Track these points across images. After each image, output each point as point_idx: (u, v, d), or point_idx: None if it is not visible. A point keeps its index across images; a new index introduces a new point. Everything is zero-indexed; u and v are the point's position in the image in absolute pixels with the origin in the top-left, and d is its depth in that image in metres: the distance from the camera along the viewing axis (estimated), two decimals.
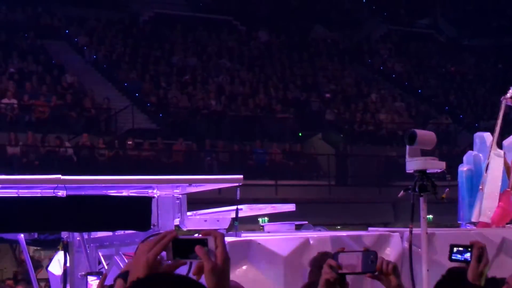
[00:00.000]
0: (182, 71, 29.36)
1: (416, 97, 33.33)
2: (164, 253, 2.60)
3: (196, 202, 10.42)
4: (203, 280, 2.57)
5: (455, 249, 4.07)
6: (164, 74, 28.81)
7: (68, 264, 7.85)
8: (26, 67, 26.66)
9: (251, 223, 16.70)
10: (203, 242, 2.58)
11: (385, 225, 25.91)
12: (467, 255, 4.00)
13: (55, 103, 24.82)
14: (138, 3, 33.42)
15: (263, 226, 7.83)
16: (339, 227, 25.79)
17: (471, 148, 9.82)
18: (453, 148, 27.93)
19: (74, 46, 29.84)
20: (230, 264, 2.61)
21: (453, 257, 4.08)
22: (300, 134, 27.94)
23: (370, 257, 3.37)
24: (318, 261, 5.07)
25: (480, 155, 8.97)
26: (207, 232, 2.62)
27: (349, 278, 3.63)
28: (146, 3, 33.20)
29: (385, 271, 3.45)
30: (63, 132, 23.74)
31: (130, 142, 24.32)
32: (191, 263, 2.77)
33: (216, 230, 2.68)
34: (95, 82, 27.66)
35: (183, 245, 2.60)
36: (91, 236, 7.75)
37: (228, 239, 6.59)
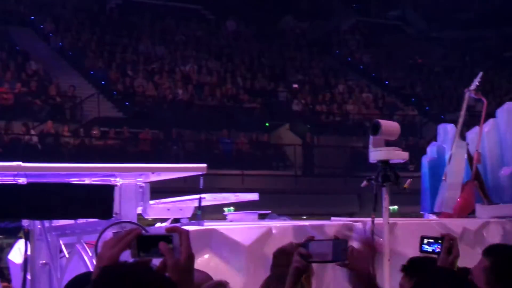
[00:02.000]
0: (149, 60, 29.21)
1: (383, 88, 33.46)
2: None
3: (161, 191, 10.39)
4: None
5: (425, 241, 4.08)
6: (131, 62, 28.64)
7: (29, 253, 7.78)
8: None
9: (217, 212, 16.71)
10: (167, 239, 2.57)
11: (350, 215, 25.97)
12: (436, 246, 4.01)
13: (19, 90, 24.57)
14: None
15: (226, 215, 7.80)
16: (304, 217, 25.83)
17: (435, 139, 9.87)
18: (419, 139, 28.10)
19: (40, 33, 29.55)
20: (194, 260, 2.61)
21: (423, 249, 4.10)
22: (267, 124, 27.94)
23: (341, 245, 3.35)
24: (286, 251, 5.07)
25: (444, 146, 9.03)
26: (172, 229, 2.61)
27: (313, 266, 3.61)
28: None
29: (355, 259, 3.44)
30: (28, 119, 23.53)
31: (96, 131, 24.15)
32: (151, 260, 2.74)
33: (181, 227, 2.67)
34: (61, 69, 27.42)
35: (148, 242, 2.58)
36: (53, 224, 7.67)
37: (190, 228, 6.56)
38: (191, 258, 2.58)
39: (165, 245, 2.54)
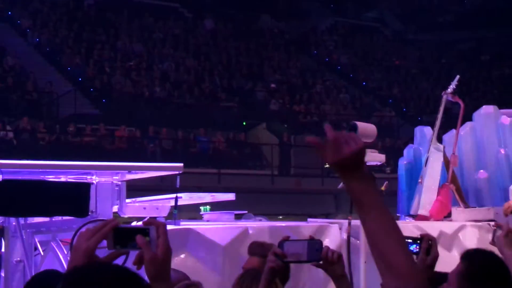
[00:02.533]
0: (126, 57, 29.11)
1: (361, 89, 33.58)
2: (104, 242, 2.56)
3: (137, 189, 10.34)
4: (143, 269, 2.53)
5: None
6: (109, 59, 28.53)
7: (3, 250, 7.72)
8: None
9: (194, 211, 16.67)
10: (144, 232, 2.54)
11: (326, 216, 26.06)
12: (414, 246, 4.02)
13: None
14: None
15: (202, 214, 7.79)
16: (280, 217, 25.88)
17: (412, 141, 9.90)
18: (395, 141, 28.21)
19: (17, 28, 29.36)
20: (171, 254, 2.58)
21: None
22: (244, 123, 27.94)
23: (315, 246, 3.36)
24: (258, 249, 5.07)
25: (421, 148, 9.05)
26: (149, 222, 2.58)
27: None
28: None
29: (330, 260, 3.44)
30: (4, 115, 23.38)
31: (72, 128, 24.04)
32: (128, 253, 2.72)
33: (157, 219, 2.65)
34: (38, 65, 27.26)
35: (124, 234, 2.55)
36: (28, 222, 7.61)
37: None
38: (168, 251, 2.54)
39: (142, 238, 2.51)
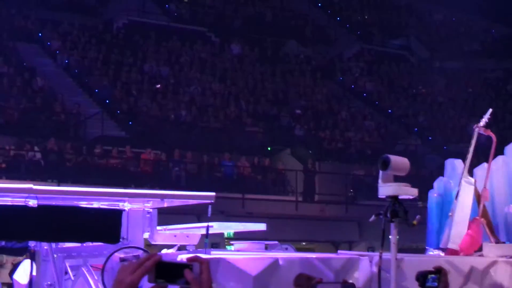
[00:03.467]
0: (153, 80, 29.29)
1: (386, 116, 33.51)
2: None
3: (163, 211, 10.38)
4: None
5: (429, 276, 4.11)
6: (136, 82, 28.72)
7: (34, 273, 7.78)
8: None
9: (218, 236, 16.68)
10: (188, 268, 2.59)
11: (350, 243, 25.99)
12: (436, 282, 4.03)
13: (24, 106, 24.64)
14: (113, 10, 33.29)
15: (232, 244, 7.80)
16: (304, 243, 25.84)
17: (438, 170, 9.87)
18: (420, 169, 28.10)
19: (47, 49, 29.64)
20: None
21: (427, 284, 4.12)
22: (269, 149, 27.97)
23: None
24: (304, 282, 5.11)
25: (451, 181, 9.02)
26: (193, 258, 2.63)
27: None
28: (120, 10, 33.08)
29: None
30: (32, 135, 23.57)
31: (98, 150, 24.18)
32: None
33: (201, 256, 2.70)
34: (66, 87, 27.50)
35: (167, 269, 2.60)
36: (59, 246, 7.68)
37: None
38: (211, 287, 2.62)
39: (191, 274, 2.57)
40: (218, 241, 19.09)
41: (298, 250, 9.63)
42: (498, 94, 36.36)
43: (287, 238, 21.92)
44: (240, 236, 11.90)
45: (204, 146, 26.04)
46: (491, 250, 8.02)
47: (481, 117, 8.84)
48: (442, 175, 9.54)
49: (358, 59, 37.72)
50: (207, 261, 2.65)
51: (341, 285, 3.46)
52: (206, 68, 31.61)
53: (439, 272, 4.03)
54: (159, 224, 7.63)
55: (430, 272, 4.09)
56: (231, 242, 7.94)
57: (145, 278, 2.60)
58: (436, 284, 4.05)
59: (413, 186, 6.91)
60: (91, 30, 31.33)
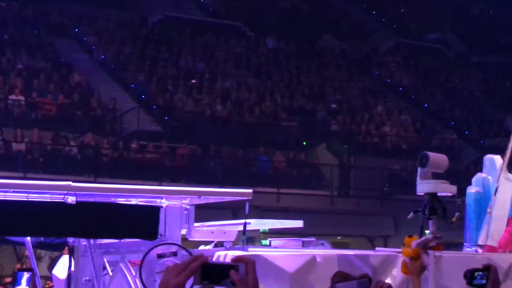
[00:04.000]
0: (189, 75, 29.37)
1: (422, 111, 33.30)
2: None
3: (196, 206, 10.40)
4: None
5: (476, 274, 4.11)
6: (171, 77, 28.82)
7: (72, 269, 7.85)
8: (34, 64, 26.68)
9: (253, 230, 16.70)
10: (235, 268, 2.60)
11: (385, 237, 25.90)
12: (484, 279, 4.03)
13: (62, 101, 24.85)
14: (148, 5, 33.42)
15: (270, 241, 7.81)
16: (339, 237, 25.79)
17: (475, 165, 9.80)
18: (457, 164, 27.89)
19: (83, 45, 29.86)
20: None
21: (474, 282, 4.11)
22: (304, 143, 27.93)
23: (364, 285, 3.46)
24: (341, 280, 5.11)
25: (489, 177, 8.95)
26: (239, 259, 2.64)
27: None
28: (156, 5, 33.20)
29: None
30: (68, 130, 23.77)
31: (135, 145, 24.31)
32: None
33: (247, 256, 2.70)
34: (102, 82, 27.67)
35: (213, 270, 2.61)
36: (97, 242, 7.73)
37: (235, 253, 6.58)
38: (257, 287, 2.62)
39: (237, 275, 2.58)
40: (253, 236, 19.14)
41: (333, 245, 9.60)
42: None
43: (323, 232, 21.91)
44: (275, 231, 11.90)
45: (240, 141, 26.08)
46: None
47: None
48: (479, 169, 9.47)
49: (394, 53, 37.52)
50: (253, 261, 2.65)
51: (357, 281, 3.52)
52: (241, 63, 31.64)
53: (488, 269, 4.03)
54: (196, 219, 7.66)
55: (478, 270, 4.09)
56: (268, 238, 7.94)
57: (191, 279, 2.62)
58: (484, 281, 4.04)
59: (449, 180, 6.88)
60: (127, 25, 31.51)
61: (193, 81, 29.10)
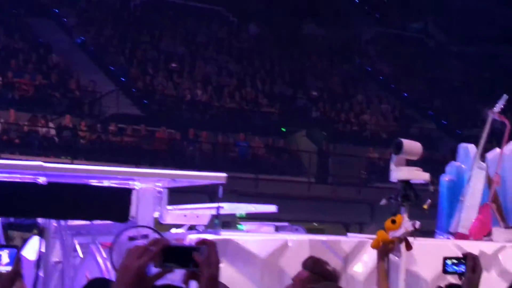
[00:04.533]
0: (170, 59, 29.25)
1: (402, 100, 33.39)
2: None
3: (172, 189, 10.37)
4: None
5: (448, 261, 4.10)
6: (152, 60, 28.69)
7: (42, 250, 7.78)
8: (12, 44, 26.45)
9: (229, 215, 16.68)
10: (197, 251, 2.58)
11: (361, 224, 25.98)
12: (462, 267, 4.03)
13: (39, 82, 24.67)
14: None
15: (241, 223, 7.80)
16: (316, 224, 25.83)
17: (452, 155, 9.82)
18: (434, 153, 28.01)
19: (63, 26, 29.63)
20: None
21: (447, 269, 4.11)
22: (283, 130, 27.93)
23: None
24: (310, 265, 5.11)
25: (463, 166, 8.98)
26: (201, 241, 2.62)
27: None
28: None
29: None
30: (46, 112, 23.61)
31: (113, 127, 24.20)
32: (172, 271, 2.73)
33: (208, 239, 2.68)
34: (82, 64, 27.49)
35: (174, 253, 2.58)
36: (68, 224, 7.67)
37: (207, 236, 6.56)
38: (219, 270, 2.61)
39: (201, 257, 2.56)
40: (229, 220, 19.12)
41: (309, 230, 9.61)
42: None
43: (299, 218, 21.93)
44: (252, 216, 11.90)
45: (219, 126, 26.03)
46: (500, 235, 8.00)
47: (496, 103, 8.78)
48: (456, 159, 9.49)
49: (375, 42, 37.56)
50: (215, 243, 2.64)
51: None
52: (223, 48, 31.55)
53: (465, 258, 4.03)
54: (171, 202, 7.62)
55: (457, 258, 4.09)
56: (242, 223, 7.93)
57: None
58: (462, 270, 4.05)
59: (426, 170, 6.89)
60: (108, 7, 31.27)
61: (174, 65, 28.98)
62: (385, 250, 5.11)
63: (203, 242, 2.61)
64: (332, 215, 25.17)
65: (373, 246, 5.24)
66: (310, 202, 24.84)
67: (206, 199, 17.38)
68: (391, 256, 6.64)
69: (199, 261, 2.55)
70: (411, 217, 6.70)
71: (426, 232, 9.97)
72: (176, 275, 2.62)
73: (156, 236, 6.82)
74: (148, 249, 2.55)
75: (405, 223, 5.11)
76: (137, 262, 2.52)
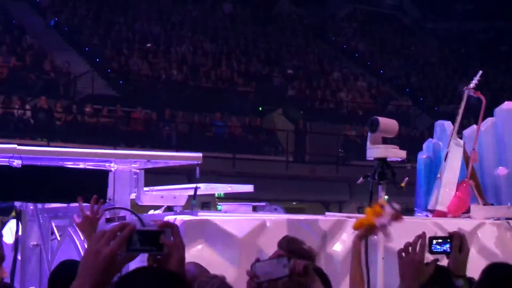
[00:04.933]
0: (144, 39, 29.09)
1: (378, 77, 33.44)
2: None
3: (151, 171, 10.34)
4: None
5: (434, 241, 4.09)
6: (127, 41, 28.51)
7: (20, 233, 7.73)
8: None
9: (208, 196, 16.66)
10: (163, 234, 2.57)
11: (340, 203, 26.06)
12: (447, 246, 4.02)
13: (14, 64, 24.46)
14: None
15: (220, 204, 7.77)
16: (294, 203, 25.89)
17: (429, 132, 9.85)
18: (412, 130, 28.11)
19: (36, 7, 29.37)
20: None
21: (433, 249, 4.10)
22: (260, 109, 27.90)
23: (283, 261, 3.49)
24: (285, 244, 5.10)
25: (440, 143, 8.99)
26: (165, 224, 2.61)
27: None
28: None
29: (298, 272, 3.54)
30: (21, 94, 23.43)
31: (89, 109, 24.07)
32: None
33: (170, 221, 2.69)
34: (56, 45, 27.28)
35: (141, 236, 2.56)
36: (45, 206, 7.63)
37: (184, 217, 6.53)
38: (184, 251, 2.63)
39: (169, 240, 2.56)
40: (209, 201, 19.09)
41: (288, 210, 9.60)
42: (490, 55, 36.27)
43: (278, 198, 21.95)
44: (231, 196, 11.89)
45: (195, 106, 25.95)
46: (478, 212, 8.02)
47: (472, 79, 8.78)
48: (432, 136, 9.51)
49: (351, 19, 37.55)
50: (177, 226, 2.65)
51: (275, 259, 3.56)
52: (198, 27, 31.41)
53: (451, 237, 4.02)
54: (150, 184, 7.58)
55: (443, 237, 4.08)
56: (220, 203, 7.91)
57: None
58: (448, 249, 4.04)
59: (403, 147, 6.89)
60: None
61: (149, 45, 28.82)
62: (366, 233, 5.09)
63: (167, 225, 2.61)
64: (311, 194, 25.23)
65: (355, 228, 5.23)
66: (288, 181, 24.87)
67: (185, 179, 17.37)
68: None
69: (167, 244, 2.55)
70: (389, 194, 6.71)
71: (405, 210, 9.99)
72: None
73: (134, 217, 6.79)
74: (115, 233, 2.53)
75: (387, 208, 5.10)
76: (109, 248, 2.50)
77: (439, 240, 4.09)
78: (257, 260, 3.56)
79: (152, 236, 2.57)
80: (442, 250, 4.07)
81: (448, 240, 4.04)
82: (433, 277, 3.83)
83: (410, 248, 3.79)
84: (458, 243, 3.98)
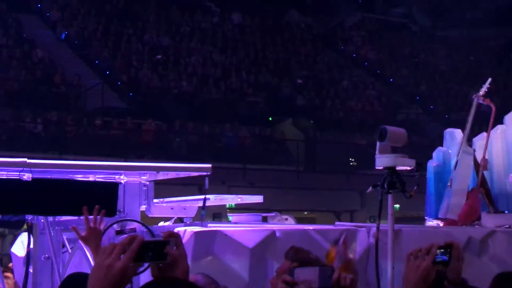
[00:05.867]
0: (154, 51, 29.16)
1: (388, 85, 33.40)
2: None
3: (162, 182, 10.35)
4: None
5: (438, 251, 4.08)
6: (136, 52, 28.59)
7: (31, 246, 7.76)
8: None
9: (219, 206, 16.67)
10: (169, 244, 2.59)
11: (351, 212, 26.02)
12: (446, 255, 4.01)
13: (24, 77, 24.56)
14: None
15: (230, 215, 7.78)
16: (306, 213, 25.87)
17: (440, 140, 9.82)
18: (422, 138, 28.05)
19: (46, 21, 29.49)
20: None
21: (437, 260, 4.09)
22: (270, 119, 27.91)
23: (327, 272, 3.35)
24: (292, 254, 5.07)
25: (450, 151, 8.98)
26: (169, 234, 2.63)
27: None
28: None
29: (343, 285, 3.43)
30: (31, 107, 23.52)
31: (99, 121, 24.14)
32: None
33: (173, 231, 2.70)
34: (66, 58, 27.38)
35: (148, 248, 2.58)
36: (56, 219, 7.66)
37: (194, 229, 6.55)
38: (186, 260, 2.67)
39: (174, 250, 2.58)
40: (220, 211, 19.09)
41: (299, 219, 9.60)
42: (500, 62, 36.19)
43: (289, 208, 21.96)
44: (242, 207, 11.90)
45: (205, 117, 25.98)
46: (489, 220, 8.00)
47: (481, 86, 8.77)
48: (443, 144, 9.49)
49: (359, 28, 37.53)
50: (179, 235, 2.68)
51: (319, 268, 3.43)
52: (207, 38, 31.46)
53: (450, 246, 4.02)
54: (160, 195, 7.61)
55: (443, 247, 4.07)
56: (230, 214, 7.92)
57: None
58: (446, 258, 4.03)
59: (414, 155, 6.88)
60: (90, 0, 31.12)
61: (158, 56, 28.89)
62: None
63: (171, 235, 2.63)
64: (322, 204, 25.20)
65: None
66: (299, 191, 24.84)
67: (196, 190, 17.38)
68: (381, 243, 6.63)
69: (173, 254, 2.57)
70: (400, 202, 6.70)
71: (417, 218, 9.96)
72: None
73: (144, 229, 6.81)
74: (124, 247, 2.55)
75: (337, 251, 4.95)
76: (121, 262, 2.52)
77: (441, 250, 4.09)
78: (294, 267, 3.47)
79: (159, 246, 2.59)
80: (442, 259, 4.07)
81: (448, 250, 4.04)
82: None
83: (419, 254, 3.79)
84: (457, 252, 3.98)
